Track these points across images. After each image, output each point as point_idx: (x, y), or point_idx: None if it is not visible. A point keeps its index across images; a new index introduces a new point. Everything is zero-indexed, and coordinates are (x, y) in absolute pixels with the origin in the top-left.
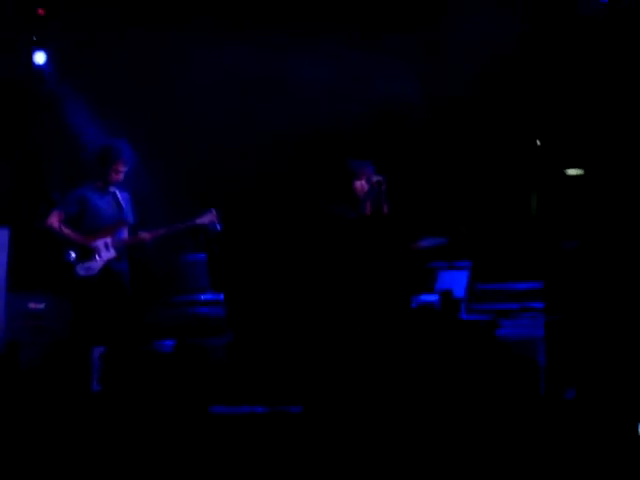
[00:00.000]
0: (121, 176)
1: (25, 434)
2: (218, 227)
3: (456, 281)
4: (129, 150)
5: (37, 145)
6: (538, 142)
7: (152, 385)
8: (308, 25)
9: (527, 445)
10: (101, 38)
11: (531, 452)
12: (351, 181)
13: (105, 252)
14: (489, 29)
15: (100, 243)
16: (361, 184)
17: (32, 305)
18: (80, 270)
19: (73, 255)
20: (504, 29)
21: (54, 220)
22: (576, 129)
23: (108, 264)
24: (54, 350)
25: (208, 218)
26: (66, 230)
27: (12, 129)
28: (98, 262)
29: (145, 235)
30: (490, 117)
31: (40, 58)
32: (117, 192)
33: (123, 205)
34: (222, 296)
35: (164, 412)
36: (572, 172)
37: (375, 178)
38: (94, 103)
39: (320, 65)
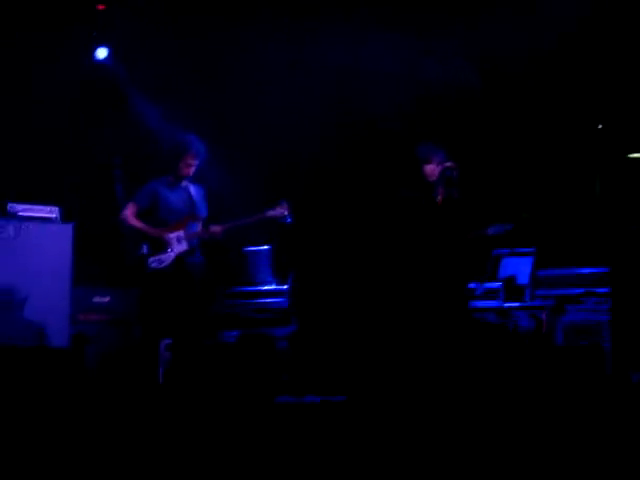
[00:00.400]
0: (192, 170)
1: (93, 427)
2: (289, 219)
3: (520, 268)
4: (199, 143)
5: (102, 140)
6: (600, 126)
7: (218, 376)
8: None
9: (598, 429)
10: (165, 31)
11: (602, 436)
12: (421, 166)
13: (177, 245)
14: (548, 9)
15: (172, 236)
16: (431, 169)
17: (97, 299)
18: (152, 263)
19: (145, 248)
20: (564, 8)
21: (129, 213)
22: (639, 112)
23: (180, 257)
24: (121, 343)
25: (279, 211)
26: (139, 223)
27: (76, 125)
28: (170, 255)
29: (216, 228)
30: (552, 101)
31: (102, 53)
32: (190, 186)
33: (195, 199)
34: (285, 287)
35: (230, 403)
36: (635, 155)
37: (447, 164)
38: (161, 97)
39: (378, 53)
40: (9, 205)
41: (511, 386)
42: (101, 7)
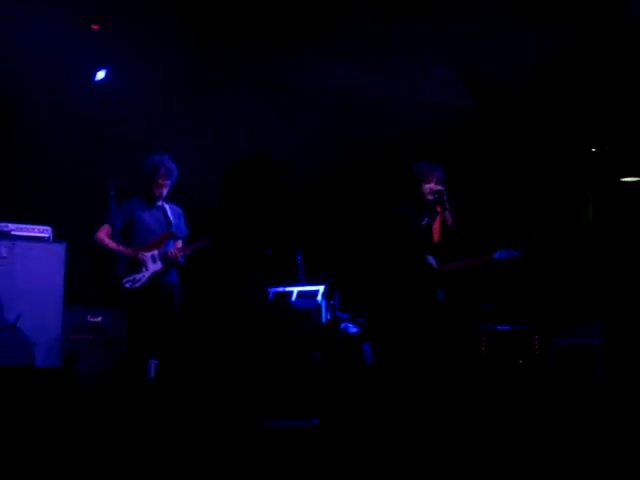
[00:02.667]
0: (164, 190)
1: (83, 444)
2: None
3: None
4: (170, 164)
5: (96, 161)
6: (594, 149)
7: (205, 395)
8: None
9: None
10: (164, 51)
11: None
12: (419, 184)
13: (152, 264)
14: (539, 35)
15: (147, 255)
16: (430, 187)
17: (89, 318)
18: (126, 282)
19: (122, 268)
20: (555, 34)
21: (102, 233)
22: (633, 136)
23: (155, 276)
24: (112, 362)
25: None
26: (113, 243)
27: (70, 145)
28: (144, 274)
29: (181, 247)
30: (545, 123)
31: (100, 75)
32: (166, 206)
33: (171, 219)
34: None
35: (219, 424)
36: (629, 179)
37: (435, 188)
38: (157, 117)
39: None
40: (1, 224)
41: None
42: (95, 27)
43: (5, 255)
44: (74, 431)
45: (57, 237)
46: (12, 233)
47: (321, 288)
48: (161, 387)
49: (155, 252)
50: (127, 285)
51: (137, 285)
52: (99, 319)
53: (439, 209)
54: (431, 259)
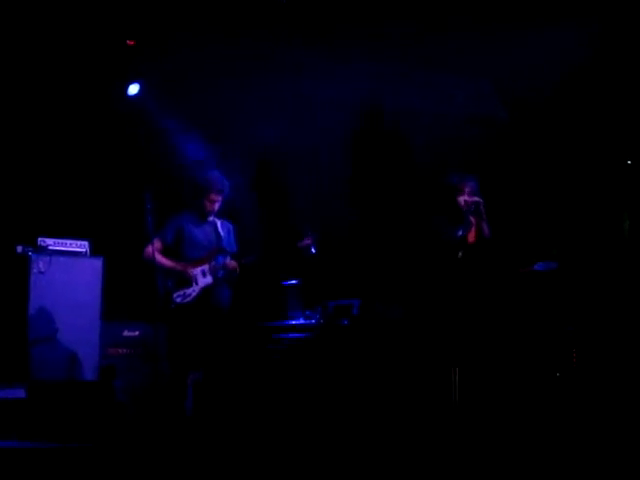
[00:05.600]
0: (216, 205)
1: (122, 458)
2: (314, 250)
3: None
4: (222, 180)
5: (133, 174)
6: (629, 161)
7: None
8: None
9: None
10: (197, 66)
11: None
12: (454, 195)
13: (202, 279)
14: (575, 42)
15: (197, 270)
16: (464, 199)
17: (126, 333)
18: (177, 297)
19: (170, 283)
20: (591, 42)
21: (153, 249)
22: None
23: (205, 291)
24: (150, 377)
25: (306, 242)
26: (164, 259)
27: (107, 159)
28: (195, 289)
29: (232, 263)
30: (580, 135)
31: (134, 89)
32: (217, 221)
33: (222, 234)
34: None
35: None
36: None
37: (474, 198)
38: (193, 131)
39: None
40: (40, 239)
41: None
42: (131, 43)
43: (43, 270)
44: (111, 445)
45: (94, 251)
46: (50, 248)
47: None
48: (200, 404)
49: (205, 267)
50: (177, 300)
51: (187, 300)
52: (136, 333)
53: (474, 220)
54: None
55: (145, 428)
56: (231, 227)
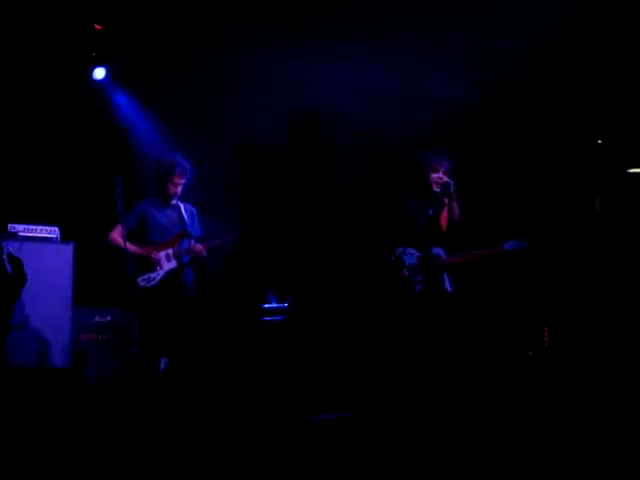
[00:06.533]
0: (179, 189)
1: (92, 443)
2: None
3: None
4: (185, 163)
5: (101, 161)
6: (600, 141)
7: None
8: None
9: None
10: (164, 49)
11: None
12: (427, 174)
13: (167, 263)
14: (549, 25)
15: (161, 255)
16: (438, 177)
17: (98, 318)
18: (140, 281)
19: (132, 267)
20: (562, 24)
21: (115, 234)
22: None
23: (169, 275)
24: (122, 362)
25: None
26: (127, 243)
27: (75, 145)
28: (159, 273)
29: (198, 246)
30: (551, 116)
31: (99, 73)
32: (181, 205)
33: (186, 218)
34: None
35: (230, 421)
36: (635, 170)
37: (443, 180)
38: (159, 117)
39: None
40: (9, 226)
41: None
42: (99, 27)
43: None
44: (84, 430)
45: (64, 237)
46: (20, 234)
47: None
48: (169, 386)
49: (169, 251)
50: (141, 284)
51: (151, 284)
52: (108, 319)
53: (446, 200)
54: (439, 250)
55: (117, 413)
56: (195, 211)
